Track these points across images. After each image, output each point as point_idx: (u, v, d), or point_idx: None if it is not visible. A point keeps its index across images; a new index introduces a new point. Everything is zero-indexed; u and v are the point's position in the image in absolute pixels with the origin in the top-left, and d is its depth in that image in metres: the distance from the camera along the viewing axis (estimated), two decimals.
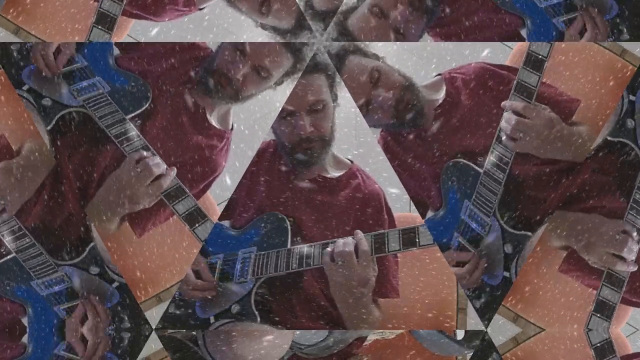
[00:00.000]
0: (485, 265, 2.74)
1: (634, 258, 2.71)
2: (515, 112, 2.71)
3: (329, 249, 2.74)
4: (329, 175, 2.81)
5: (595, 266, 2.72)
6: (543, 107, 2.70)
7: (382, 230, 2.75)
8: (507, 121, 2.71)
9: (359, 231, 2.75)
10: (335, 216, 2.78)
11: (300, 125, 2.74)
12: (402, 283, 2.77)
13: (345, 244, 2.73)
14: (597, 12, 2.71)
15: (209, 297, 2.77)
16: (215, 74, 2.75)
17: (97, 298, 2.76)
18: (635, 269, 2.72)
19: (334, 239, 2.76)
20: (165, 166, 2.75)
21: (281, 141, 2.79)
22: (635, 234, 2.70)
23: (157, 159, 2.75)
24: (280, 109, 2.75)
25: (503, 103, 2.72)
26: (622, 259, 2.70)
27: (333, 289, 2.75)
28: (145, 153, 2.75)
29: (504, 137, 2.72)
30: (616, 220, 2.71)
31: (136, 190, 2.74)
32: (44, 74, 2.75)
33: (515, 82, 2.72)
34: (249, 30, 2.77)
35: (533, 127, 2.70)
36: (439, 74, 2.77)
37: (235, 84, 2.75)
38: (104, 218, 2.76)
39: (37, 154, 2.74)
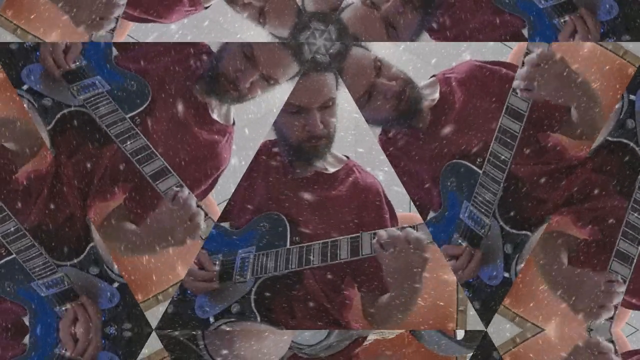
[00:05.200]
0: (480, 257, 2.73)
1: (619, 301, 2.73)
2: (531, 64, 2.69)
3: (375, 240, 2.74)
4: (326, 172, 2.81)
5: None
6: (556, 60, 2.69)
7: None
8: (520, 75, 2.69)
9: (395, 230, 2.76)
10: (334, 213, 2.78)
11: (313, 121, 2.74)
12: None
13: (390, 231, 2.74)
14: (588, 13, 2.70)
15: (213, 288, 2.76)
16: (222, 77, 2.75)
17: (89, 299, 2.76)
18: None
19: (333, 238, 2.76)
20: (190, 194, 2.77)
21: (285, 138, 2.78)
22: (619, 278, 2.71)
23: (186, 191, 2.75)
24: (280, 108, 2.74)
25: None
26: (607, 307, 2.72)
27: (388, 276, 2.75)
28: (175, 189, 2.76)
29: (519, 93, 2.70)
30: (600, 273, 2.71)
31: (177, 229, 2.77)
32: (50, 73, 2.74)
33: (514, 82, 2.71)
34: (252, 30, 2.77)
35: (546, 71, 2.68)
36: (434, 75, 2.76)
37: (242, 89, 2.75)
38: (126, 248, 2.78)
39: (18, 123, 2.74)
